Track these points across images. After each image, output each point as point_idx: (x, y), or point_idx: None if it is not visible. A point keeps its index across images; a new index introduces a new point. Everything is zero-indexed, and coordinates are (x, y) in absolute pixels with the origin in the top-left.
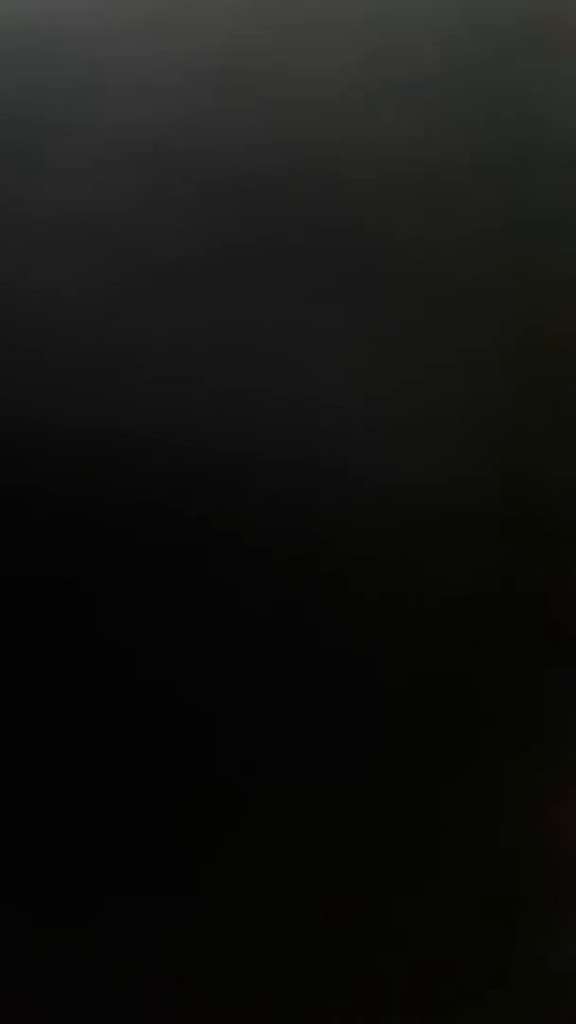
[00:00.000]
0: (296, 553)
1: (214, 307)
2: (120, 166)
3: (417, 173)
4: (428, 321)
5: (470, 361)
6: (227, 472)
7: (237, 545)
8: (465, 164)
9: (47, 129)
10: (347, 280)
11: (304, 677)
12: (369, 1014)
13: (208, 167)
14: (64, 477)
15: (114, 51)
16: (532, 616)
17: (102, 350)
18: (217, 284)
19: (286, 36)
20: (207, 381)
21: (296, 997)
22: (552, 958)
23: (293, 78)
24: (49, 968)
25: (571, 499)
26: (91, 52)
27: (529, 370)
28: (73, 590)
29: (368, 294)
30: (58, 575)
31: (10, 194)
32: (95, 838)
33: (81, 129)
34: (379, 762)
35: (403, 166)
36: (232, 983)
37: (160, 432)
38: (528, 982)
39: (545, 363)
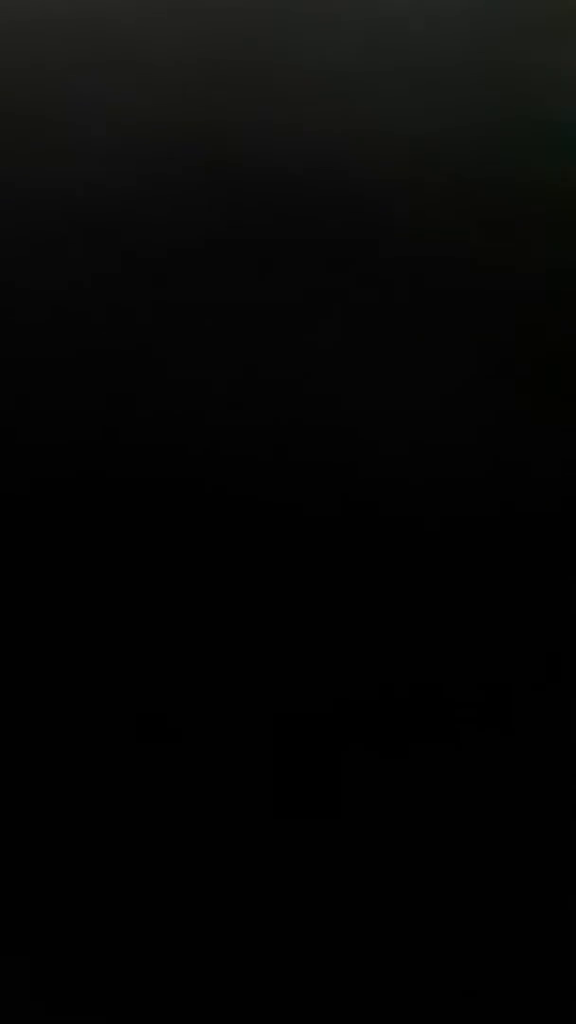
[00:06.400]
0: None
1: (215, 297)
2: (121, 157)
3: (420, 161)
4: (431, 310)
5: (474, 350)
6: (230, 467)
7: (241, 546)
8: (469, 152)
9: (46, 119)
10: (349, 268)
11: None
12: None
13: (209, 156)
14: (71, 470)
15: (114, 40)
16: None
17: (104, 340)
18: (218, 274)
19: (287, 24)
20: (208, 372)
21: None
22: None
23: (294, 66)
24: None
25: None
26: (91, 43)
27: (530, 361)
28: (72, 592)
29: (370, 282)
30: (54, 575)
31: (10, 185)
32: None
33: (81, 118)
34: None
35: (406, 154)
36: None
37: (163, 424)
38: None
39: (547, 354)
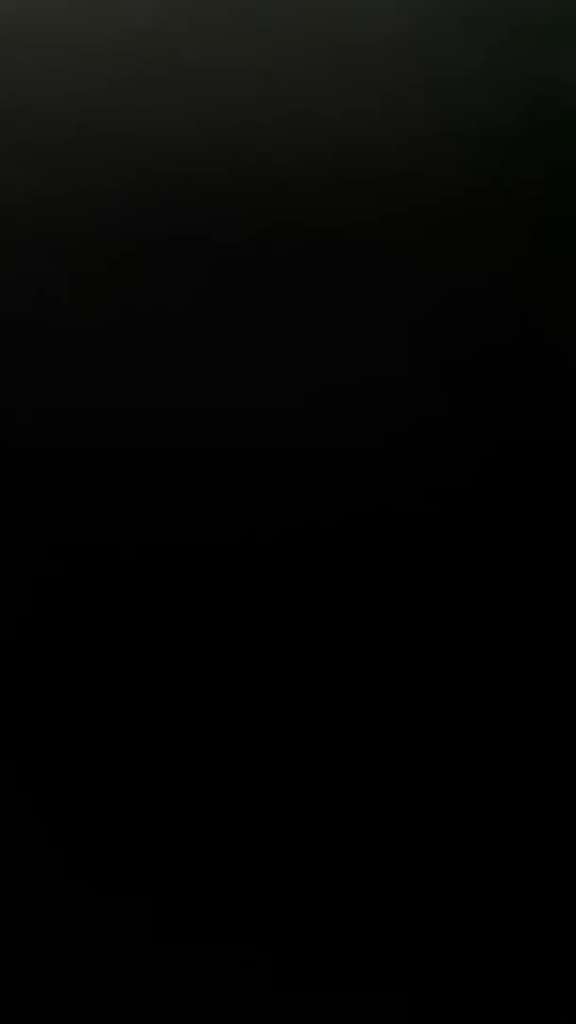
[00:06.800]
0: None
1: (200, 288)
2: (107, 155)
3: (419, 152)
4: (423, 299)
5: (472, 338)
6: (225, 460)
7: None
8: (469, 143)
9: (16, 112)
10: (342, 259)
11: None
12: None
13: (199, 151)
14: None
15: (91, 35)
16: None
17: (87, 338)
18: (205, 265)
19: (273, 19)
20: (192, 364)
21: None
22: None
23: (287, 56)
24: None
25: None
26: (64, 37)
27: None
28: (71, 585)
29: (363, 271)
30: (56, 571)
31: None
32: None
33: (52, 116)
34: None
35: (404, 146)
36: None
37: (156, 417)
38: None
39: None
